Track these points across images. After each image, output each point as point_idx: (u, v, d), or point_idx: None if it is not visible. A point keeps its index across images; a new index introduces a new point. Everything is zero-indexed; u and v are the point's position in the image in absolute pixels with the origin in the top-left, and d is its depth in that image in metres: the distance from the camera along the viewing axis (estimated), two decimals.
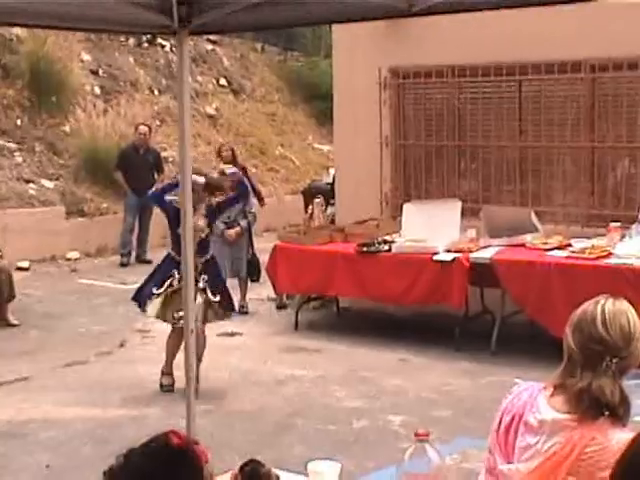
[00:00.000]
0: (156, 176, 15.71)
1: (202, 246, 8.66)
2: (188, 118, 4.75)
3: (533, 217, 10.40)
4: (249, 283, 12.20)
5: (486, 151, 11.38)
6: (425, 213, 10.57)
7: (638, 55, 10.08)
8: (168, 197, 8.62)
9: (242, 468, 3.05)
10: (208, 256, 8.84)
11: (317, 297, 11.68)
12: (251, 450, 6.96)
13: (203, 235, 8.75)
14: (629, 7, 9.33)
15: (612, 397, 2.89)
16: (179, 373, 8.14)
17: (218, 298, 8.72)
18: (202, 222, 8.73)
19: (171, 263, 8.56)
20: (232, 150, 13.30)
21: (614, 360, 2.92)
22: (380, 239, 10.57)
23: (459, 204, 10.52)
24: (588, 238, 10.04)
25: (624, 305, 3.02)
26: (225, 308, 8.85)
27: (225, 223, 11.88)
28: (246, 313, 11.94)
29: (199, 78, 21.12)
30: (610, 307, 2.99)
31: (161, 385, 8.85)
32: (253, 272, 12.15)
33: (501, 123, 11.25)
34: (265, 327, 11.33)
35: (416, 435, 3.01)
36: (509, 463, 3.01)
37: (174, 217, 8.10)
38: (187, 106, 4.74)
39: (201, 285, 8.55)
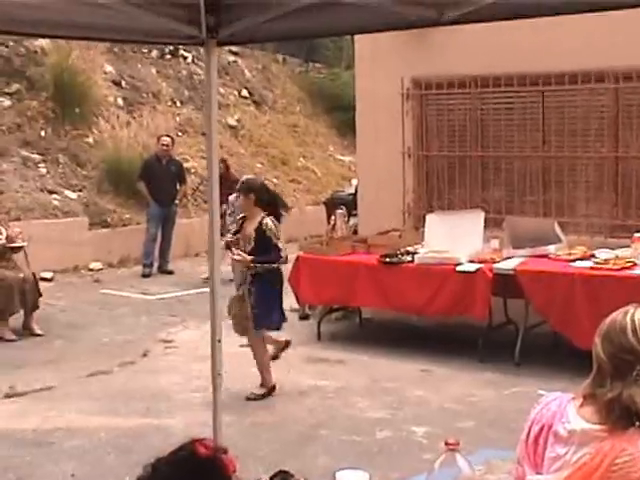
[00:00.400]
0: (178, 187, 15.77)
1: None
2: (215, 128, 4.76)
3: (556, 228, 10.37)
4: None
5: (509, 161, 11.36)
6: (448, 224, 10.54)
7: None
8: None
9: (272, 479, 3.05)
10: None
11: (339, 308, 11.67)
12: (275, 460, 6.97)
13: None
14: None
15: None
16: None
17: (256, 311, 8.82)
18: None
19: None
20: (224, 162, 13.37)
21: None
22: (403, 250, 10.56)
23: (482, 214, 10.50)
24: (612, 249, 10.00)
25: None
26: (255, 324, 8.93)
27: None
28: None
29: (221, 90, 21.18)
30: (639, 316, 2.98)
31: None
32: None
33: (524, 133, 11.24)
34: (288, 338, 11.31)
35: (446, 444, 3.00)
36: (538, 474, 3.00)
37: None
38: (215, 117, 4.76)
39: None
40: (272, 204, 8.92)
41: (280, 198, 9.53)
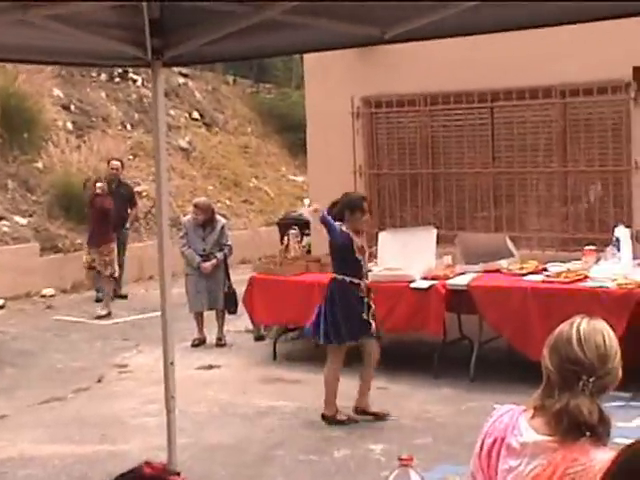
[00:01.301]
0: (129, 210, 15.69)
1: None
2: (164, 151, 4.74)
3: (508, 242, 10.44)
4: (226, 315, 12.16)
5: (460, 178, 11.43)
6: (400, 241, 10.58)
7: (608, 80, 10.18)
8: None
9: None
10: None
11: (295, 328, 11.64)
12: None
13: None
14: (599, 33, 9.40)
15: (590, 416, 2.88)
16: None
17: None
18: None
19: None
20: None
21: (591, 379, 2.92)
22: None
23: (434, 231, 10.54)
24: (563, 262, 10.09)
25: (599, 324, 3.01)
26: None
27: (201, 255, 11.89)
28: (224, 345, 11.92)
29: (171, 112, 21.14)
30: (585, 327, 2.99)
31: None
32: (230, 304, 12.09)
33: (474, 150, 11.32)
34: (243, 359, 11.29)
35: (399, 459, 3.00)
36: None
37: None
38: (163, 139, 4.74)
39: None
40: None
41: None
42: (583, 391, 2.91)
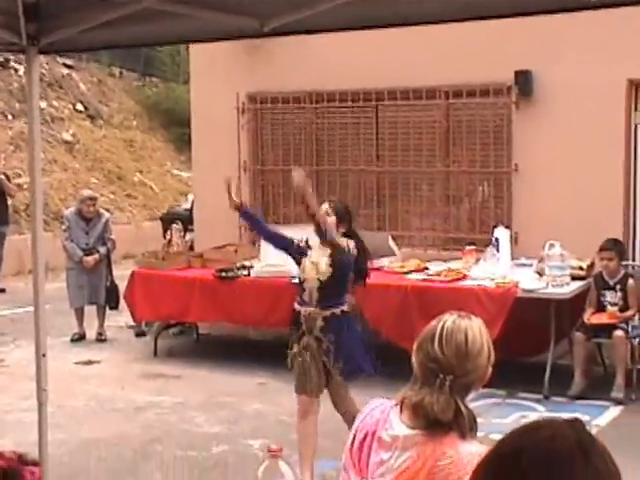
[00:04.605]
0: (9, 201, 15.36)
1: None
2: (38, 139, 4.64)
3: (390, 241, 10.53)
4: (107, 310, 12.01)
5: (343, 175, 11.49)
6: None
7: (490, 82, 10.35)
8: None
9: None
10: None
11: (176, 323, 11.57)
12: (109, 478, 6.85)
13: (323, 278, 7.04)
14: (484, 36, 9.57)
15: (442, 414, 2.91)
16: None
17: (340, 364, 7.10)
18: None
19: None
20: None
21: (449, 377, 2.95)
22: (239, 264, 10.55)
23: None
24: (445, 261, 10.23)
25: (465, 322, 3.02)
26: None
27: (84, 250, 11.72)
28: (104, 341, 11.78)
29: (55, 103, 20.79)
30: (449, 325, 3.00)
31: None
32: (111, 299, 11.96)
33: (358, 148, 11.39)
34: (123, 354, 11.16)
35: (269, 451, 3.00)
36: (363, 479, 3.01)
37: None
38: (37, 127, 4.64)
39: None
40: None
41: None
42: (441, 388, 2.94)
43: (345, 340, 7.04)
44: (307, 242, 7.23)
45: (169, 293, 10.61)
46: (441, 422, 2.92)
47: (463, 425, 2.94)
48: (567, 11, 4.23)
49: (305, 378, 7.14)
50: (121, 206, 19.13)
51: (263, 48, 11.24)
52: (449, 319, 3.03)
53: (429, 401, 2.92)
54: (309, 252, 7.13)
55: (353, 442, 3.09)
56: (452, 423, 2.92)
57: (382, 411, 3.08)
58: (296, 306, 7.25)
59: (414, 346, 3.06)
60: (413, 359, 3.04)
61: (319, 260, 7.00)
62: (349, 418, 6.84)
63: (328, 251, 6.97)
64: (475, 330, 3.01)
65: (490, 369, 3.04)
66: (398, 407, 3.04)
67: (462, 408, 2.94)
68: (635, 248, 10.18)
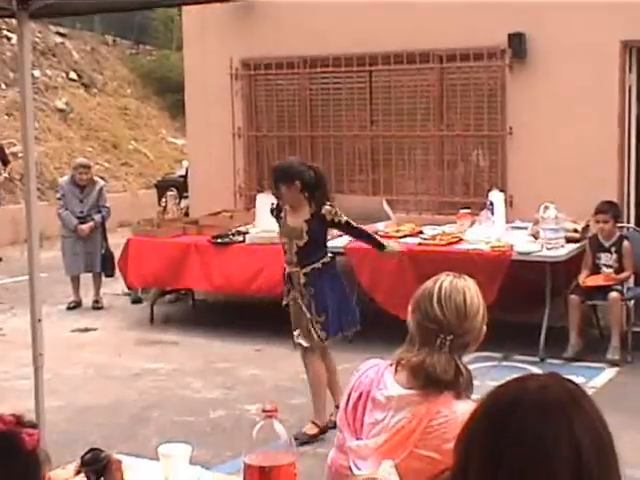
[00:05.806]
0: (2, 169, 15.34)
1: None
2: (30, 105, 4.62)
3: (385, 205, 10.53)
4: (103, 278, 12.03)
5: (338, 141, 11.46)
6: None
7: (484, 46, 10.31)
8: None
9: (83, 456, 3.07)
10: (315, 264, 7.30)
11: (172, 290, 11.58)
12: (106, 444, 6.84)
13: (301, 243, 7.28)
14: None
15: (445, 374, 2.94)
16: None
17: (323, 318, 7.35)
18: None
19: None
20: None
21: (449, 337, 2.97)
22: (234, 230, 10.55)
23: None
24: (439, 225, 10.23)
25: (461, 282, 3.05)
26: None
27: (79, 218, 11.72)
28: (101, 308, 11.80)
29: (48, 72, 20.70)
30: (447, 285, 3.02)
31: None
32: (107, 267, 11.96)
33: (352, 113, 11.36)
34: (120, 321, 11.19)
35: (264, 411, 3.01)
36: (358, 439, 3.03)
37: None
38: (29, 93, 4.62)
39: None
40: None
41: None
42: (441, 348, 2.96)
43: (327, 292, 7.34)
44: (278, 206, 7.47)
45: (164, 260, 10.59)
46: (440, 382, 2.93)
47: (460, 385, 2.96)
48: None
49: (299, 323, 7.57)
50: (116, 174, 19.10)
51: (256, 13, 11.20)
52: (446, 279, 3.05)
53: (430, 362, 2.94)
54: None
55: (348, 402, 3.11)
56: (450, 383, 2.94)
57: (377, 371, 3.09)
58: (284, 265, 7.54)
59: (410, 307, 3.07)
60: (409, 319, 3.05)
61: (296, 225, 7.28)
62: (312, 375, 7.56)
63: (306, 217, 7.24)
64: (472, 290, 3.04)
65: (485, 329, 3.06)
66: (393, 367, 3.05)
67: (461, 367, 2.97)
68: (630, 210, 10.20)
